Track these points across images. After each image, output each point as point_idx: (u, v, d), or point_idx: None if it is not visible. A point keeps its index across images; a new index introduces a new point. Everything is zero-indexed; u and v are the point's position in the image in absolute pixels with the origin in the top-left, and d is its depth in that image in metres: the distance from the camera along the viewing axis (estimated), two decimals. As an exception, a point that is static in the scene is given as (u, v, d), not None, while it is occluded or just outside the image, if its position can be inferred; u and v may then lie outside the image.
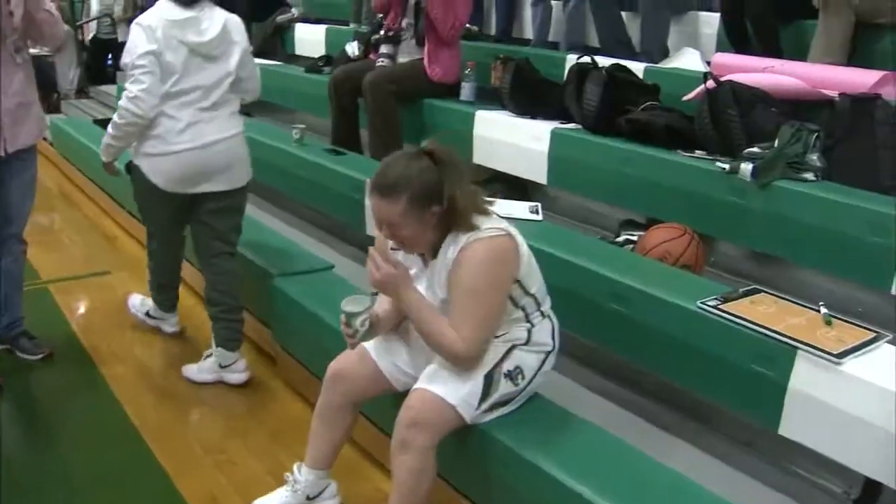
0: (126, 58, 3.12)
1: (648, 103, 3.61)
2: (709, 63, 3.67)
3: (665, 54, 4.44)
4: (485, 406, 2.27)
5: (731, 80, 3.33)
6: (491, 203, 2.26)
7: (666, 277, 2.77)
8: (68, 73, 8.80)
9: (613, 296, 2.72)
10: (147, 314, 3.91)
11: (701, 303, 2.49)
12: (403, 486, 2.22)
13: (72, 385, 3.44)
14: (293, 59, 6.62)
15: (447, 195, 2.12)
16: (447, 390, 2.22)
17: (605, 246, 3.23)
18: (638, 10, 4.60)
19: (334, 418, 2.53)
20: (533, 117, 4.06)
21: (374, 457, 2.88)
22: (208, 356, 3.46)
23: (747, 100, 3.27)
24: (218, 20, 3.20)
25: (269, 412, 3.26)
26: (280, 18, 6.75)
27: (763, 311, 2.45)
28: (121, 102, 3.13)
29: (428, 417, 2.19)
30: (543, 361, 2.36)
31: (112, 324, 4.01)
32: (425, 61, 4.52)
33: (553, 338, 2.38)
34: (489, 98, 4.44)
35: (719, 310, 2.45)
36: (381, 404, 2.58)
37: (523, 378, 2.31)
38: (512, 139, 4.04)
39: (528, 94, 4.10)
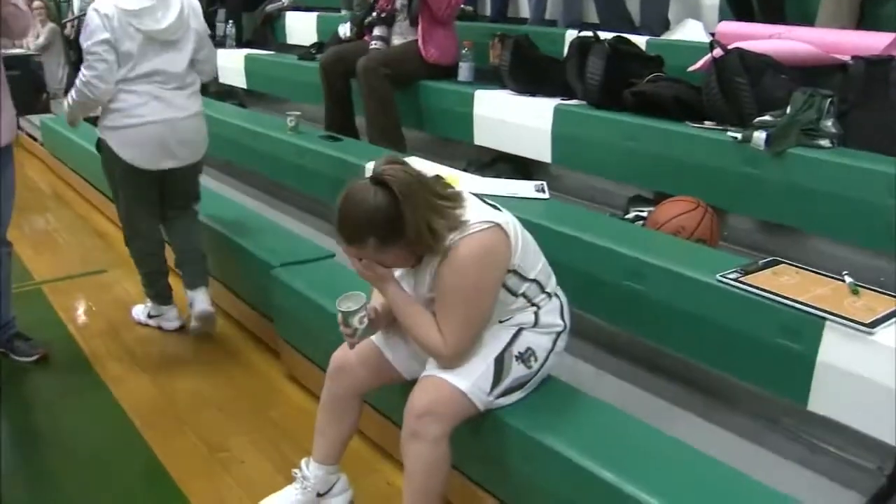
0: (83, 40, 3.26)
1: (653, 75, 3.51)
2: (713, 34, 3.56)
3: (666, 27, 4.34)
4: (497, 391, 2.19)
5: (738, 48, 3.23)
6: (460, 200, 2.13)
7: (682, 251, 2.69)
8: (57, 73, 8.71)
9: (628, 272, 2.63)
10: (148, 315, 3.87)
11: (721, 276, 2.40)
12: (416, 478, 2.14)
13: (69, 387, 3.36)
14: (284, 48, 6.52)
15: (411, 226, 2.00)
16: (457, 376, 2.14)
17: (616, 222, 3.15)
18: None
19: (340, 411, 2.45)
20: (534, 95, 3.97)
21: (385, 449, 2.80)
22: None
23: (756, 67, 3.18)
24: (175, 6, 3.34)
25: (274, 406, 3.19)
26: (270, 7, 6.66)
27: (786, 282, 2.36)
28: (76, 83, 3.29)
29: (438, 405, 2.11)
30: (555, 342, 2.28)
31: (109, 323, 3.94)
32: (420, 42, 4.42)
33: (563, 317, 2.30)
34: (488, 78, 4.35)
35: (740, 283, 2.36)
36: (389, 393, 2.50)
37: (535, 360, 2.24)
38: (513, 118, 3.94)
39: (529, 71, 4.01)
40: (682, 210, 2.94)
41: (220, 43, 6.57)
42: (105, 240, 5.17)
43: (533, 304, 2.24)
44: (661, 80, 3.48)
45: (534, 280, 2.21)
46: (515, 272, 2.15)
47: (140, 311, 3.93)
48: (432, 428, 2.09)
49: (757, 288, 2.32)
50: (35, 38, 8.85)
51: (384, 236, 2.03)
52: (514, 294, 2.19)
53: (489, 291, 2.11)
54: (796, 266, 2.49)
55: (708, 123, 3.26)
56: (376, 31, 4.52)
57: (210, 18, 6.77)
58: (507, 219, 2.15)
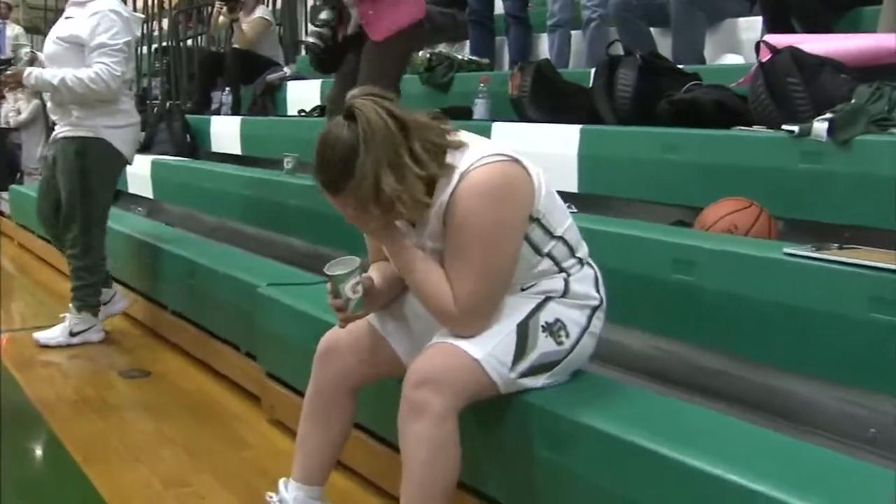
0: (103, 36, 3.68)
1: (692, 83, 3.34)
2: (758, 44, 3.38)
3: (701, 64, 4.18)
4: (522, 367, 1.88)
5: (791, 46, 3.04)
6: (456, 145, 1.87)
7: (736, 242, 2.43)
8: (35, 151, 8.55)
9: (675, 264, 2.38)
10: (70, 334, 3.92)
11: (790, 250, 2.13)
12: (416, 468, 1.81)
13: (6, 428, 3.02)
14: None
15: (360, 175, 1.75)
16: (471, 343, 1.84)
17: (656, 224, 2.92)
18: (665, 24, 4.38)
19: (328, 411, 2.13)
20: (557, 123, 3.76)
21: (381, 487, 2.45)
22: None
23: (811, 66, 2.98)
24: None
25: (250, 448, 2.87)
26: (270, 77, 6.57)
27: (866, 255, 2.08)
28: (99, 70, 3.66)
29: (445, 373, 1.81)
30: (590, 318, 1.98)
31: (61, 371, 3.68)
32: (366, 27, 3.91)
33: (598, 289, 2.02)
34: (506, 113, 4.15)
35: (815, 256, 2.09)
36: (385, 407, 2.16)
37: (567, 335, 1.93)
38: (534, 147, 3.68)
39: (551, 97, 3.85)
40: (733, 208, 2.69)
41: (216, 111, 6.48)
42: (62, 300, 4.89)
43: (562, 270, 1.96)
44: (700, 88, 3.28)
45: (561, 238, 1.94)
46: (539, 222, 1.89)
47: (59, 331, 3.93)
48: (435, 400, 1.78)
49: (835, 260, 2.03)
50: (16, 113, 8.79)
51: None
52: (539, 252, 1.92)
53: (510, 233, 1.84)
54: (871, 249, 2.20)
55: (757, 128, 3.03)
56: (322, 15, 4.14)
57: (207, 87, 6.72)
58: (525, 159, 1.89)
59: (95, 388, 3.44)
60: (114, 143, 3.79)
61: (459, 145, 1.86)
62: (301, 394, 2.74)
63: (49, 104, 3.94)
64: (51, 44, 3.83)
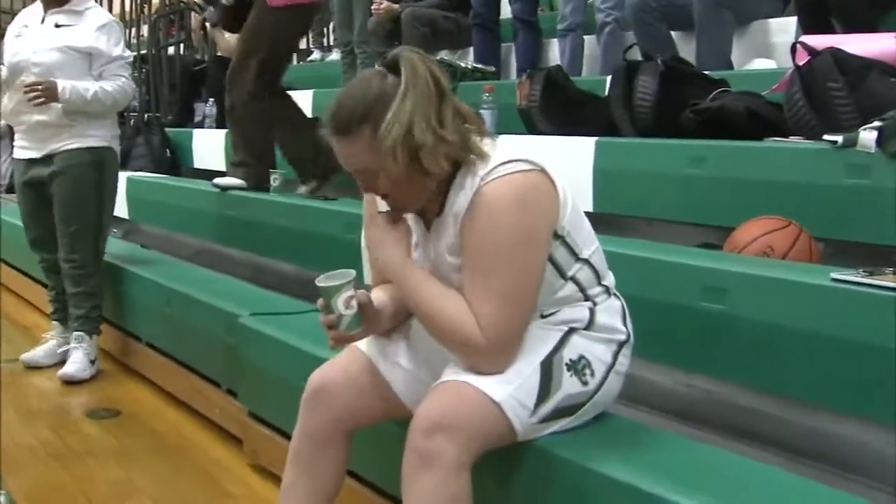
0: (117, 49, 3.94)
1: (720, 90, 3.27)
2: (794, 47, 3.30)
3: (729, 69, 4.11)
4: (544, 410, 1.80)
5: (832, 48, 2.96)
6: (483, 131, 1.86)
7: (773, 266, 2.35)
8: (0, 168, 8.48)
9: (704, 290, 2.29)
10: (91, 362, 3.95)
11: (837, 275, 2.04)
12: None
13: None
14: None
15: (399, 116, 1.73)
16: (489, 382, 1.76)
17: (681, 247, 2.84)
18: (687, 27, 4.33)
19: (317, 457, 2.04)
20: (570, 136, 3.69)
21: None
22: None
23: (856, 69, 2.91)
24: None
25: (228, 497, 2.80)
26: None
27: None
28: (123, 84, 3.94)
29: (460, 418, 1.72)
30: (616, 355, 1.91)
31: (18, 410, 3.58)
32: None
33: (625, 323, 1.95)
34: (514, 126, 4.07)
35: (868, 283, 2.00)
36: (379, 451, 2.13)
37: (592, 374, 1.86)
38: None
39: (563, 107, 3.79)
40: (769, 228, 2.60)
41: (198, 124, 6.43)
42: (27, 332, 4.84)
43: (587, 298, 1.89)
44: (728, 96, 3.23)
45: (587, 261, 1.88)
46: (564, 241, 1.83)
47: (81, 363, 3.92)
48: (449, 449, 1.69)
49: (893, 287, 1.94)
50: None
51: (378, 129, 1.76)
52: (563, 274, 1.85)
53: (536, 247, 1.78)
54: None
55: (794, 139, 2.96)
56: None
57: (189, 98, 6.67)
58: (551, 169, 1.82)
59: (57, 431, 3.35)
60: (118, 152, 4.08)
61: (487, 134, 1.84)
62: (288, 437, 2.67)
63: (41, 117, 3.84)
64: (54, 53, 3.83)
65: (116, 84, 3.89)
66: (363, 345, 2.02)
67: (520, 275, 1.76)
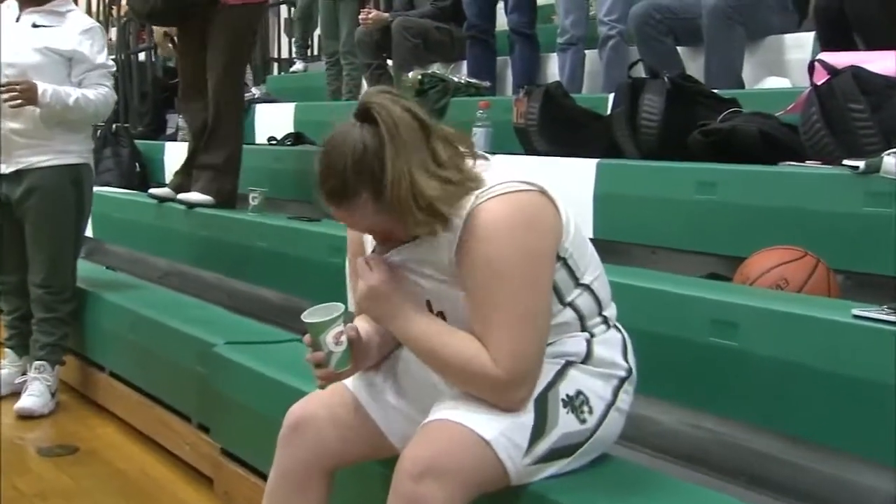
0: (101, 56, 3.95)
1: (730, 110, 3.30)
2: (811, 65, 3.31)
3: (740, 87, 4.14)
4: (539, 451, 1.81)
5: (853, 66, 2.99)
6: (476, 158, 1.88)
7: (788, 300, 2.36)
8: None
9: (712, 324, 2.31)
10: (52, 395, 3.94)
11: (860, 311, 2.06)
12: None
13: None
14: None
15: (389, 178, 1.74)
16: (479, 420, 1.77)
17: (689, 277, 2.86)
18: (694, 43, 4.39)
19: (295, 498, 2.06)
20: (570, 157, 3.71)
21: None
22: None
23: (879, 89, 2.94)
24: None
25: None
26: (236, 99, 6.54)
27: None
28: (105, 93, 3.92)
29: (448, 460, 1.73)
30: (617, 391, 1.92)
31: None
32: None
33: (626, 357, 1.96)
34: (509, 145, 4.09)
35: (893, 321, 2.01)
36: (361, 493, 2.14)
37: (590, 412, 1.87)
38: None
39: (563, 126, 3.81)
40: (783, 259, 2.63)
41: (171, 136, 6.44)
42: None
43: (584, 329, 1.91)
44: (740, 117, 3.26)
45: (588, 287, 1.90)
46: (566, 263, 1.85)
47: (41, 398, 3.88)
48: (438, 494, 1.71)
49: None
50: None
51: (379, 190, 1.76)
52: (562, 299, 1.86)
53: (543, 264, 1.79)
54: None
55: (810, 163, 2.99)
56: None
57: (161, 108, 6.67)
58: (550, 189, 1.84)
59: (5, 471, 3.29)
60: (93, 168, 4.11)
61: (480, 157, 1.86)
62: (263, 476, 2.69)
63: (13, 125, 3.78)
64: (32, 53, 3.81)
65: (99, 93, 3.88)
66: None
67: (531, 295, 1.78)
